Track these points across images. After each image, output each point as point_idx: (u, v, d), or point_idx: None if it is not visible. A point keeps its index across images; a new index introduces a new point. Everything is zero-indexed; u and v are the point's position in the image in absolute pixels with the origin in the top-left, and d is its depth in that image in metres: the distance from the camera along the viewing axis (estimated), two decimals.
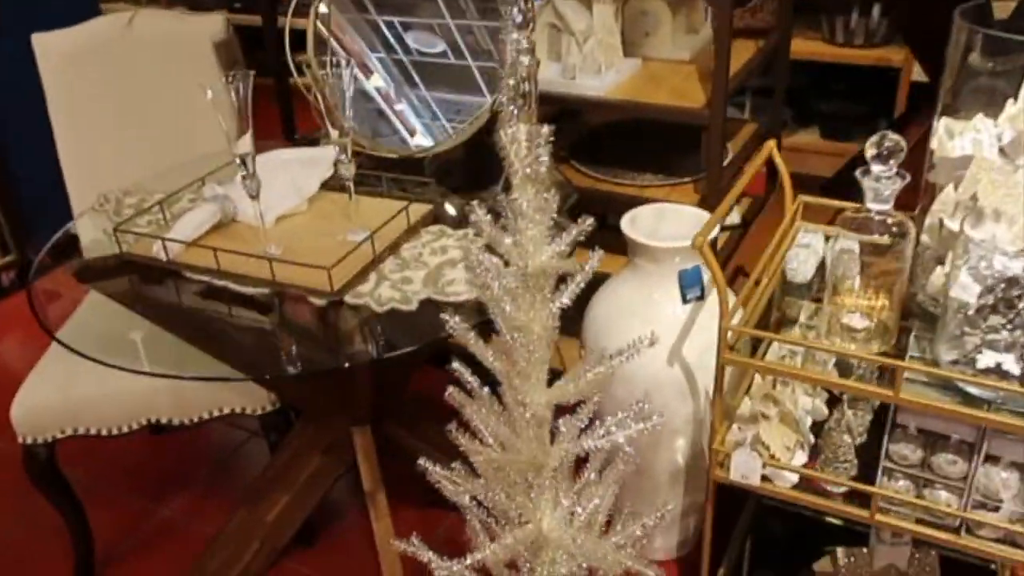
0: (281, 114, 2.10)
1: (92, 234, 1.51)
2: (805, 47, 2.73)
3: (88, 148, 1.80)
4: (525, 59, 1.33)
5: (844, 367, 1.22)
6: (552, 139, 0.94)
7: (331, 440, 1.62)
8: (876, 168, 1.05)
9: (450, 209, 1.46)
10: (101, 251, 1.42)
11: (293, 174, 1.47)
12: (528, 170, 0.92)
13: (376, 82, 1.68)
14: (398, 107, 1.68)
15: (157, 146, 1.78)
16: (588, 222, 0.96)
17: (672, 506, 1.58)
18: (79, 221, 1.57)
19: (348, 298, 1.21)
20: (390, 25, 1.68)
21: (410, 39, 1.68)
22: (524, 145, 0.92)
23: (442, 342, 1.11)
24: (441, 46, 1.66)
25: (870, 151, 1.04)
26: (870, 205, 1.08)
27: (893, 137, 1.03)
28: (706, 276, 1.37)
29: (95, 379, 1.53)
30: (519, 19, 1.35)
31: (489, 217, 0.97)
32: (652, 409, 1.05)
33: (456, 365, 1.05)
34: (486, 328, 1.05)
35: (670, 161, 1.87)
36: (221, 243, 1.32)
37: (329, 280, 1.19)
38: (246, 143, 1.24)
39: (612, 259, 1.34)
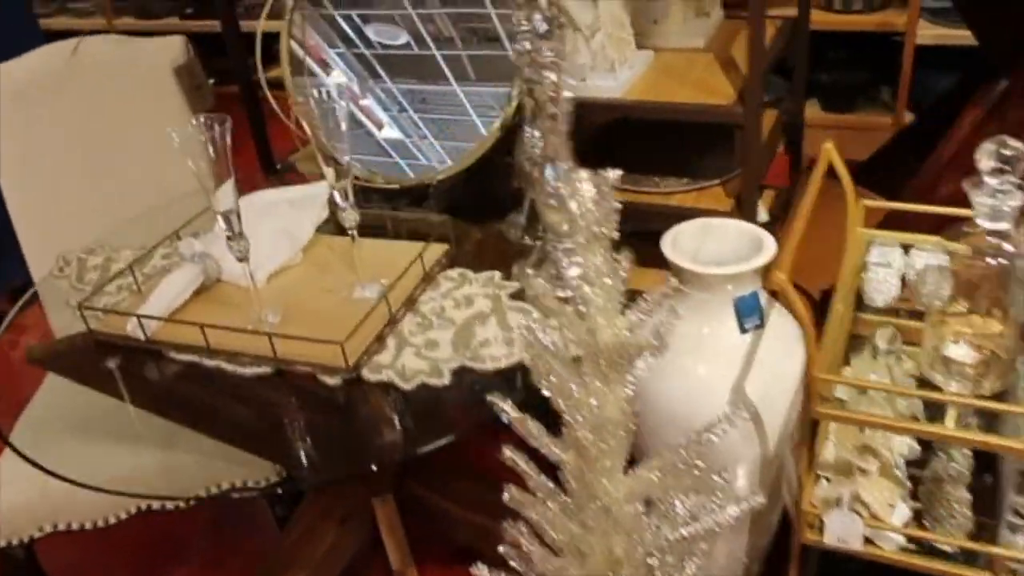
0: (254, 135, 1.89)
1: (52, 304, 1.31)
2: None
3: (40, 197, 1.59)
4: (552, 75, 1.15)
5: (934, 405, 1.06)
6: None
7: (348, 509, 1.44)
8: (992, 181, 0.88)
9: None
10: (65, 329, 1.22)
11: (283, 219, 1.28)
12: (598, 229, 0.74)
13: (338, 78, 1.51)
14: (363, 102, 1.51)
15: (120, 190, 1.58)
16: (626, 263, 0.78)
17: (739, 555, 1.42)
18: (40, 285, 1.37)
19: (366, 372, 1.02)
20: (348, 19, 1.50)
21: (370, 32, 1.50)
22: (590, 198, 0.73)
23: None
24: (404, 38, 1.48)
25: (985, 161, 0.87)
26: (984, 224, 0.91)
27: (1015, 144, 0.86)
28: (763, 299, 1.20)
29: (75, 466, 1.34)
30: (543, 27, 1.16)
31: (549, 287, 0.79)
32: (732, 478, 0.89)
33: (510, 454, 0.88)
34: (533, 394, 0.87)
35: (691, 160, 1.69)
36: (207, 312, 1.13)
37: (343, 355, 1.01)
38: (228, 197, 1.04)
39: (640, 273, 1.17)
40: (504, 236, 1.28)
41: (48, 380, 1.28)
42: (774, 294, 1.23)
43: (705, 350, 1.26)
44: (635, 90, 1.54)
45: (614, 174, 0.75)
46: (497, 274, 1.17)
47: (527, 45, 1.13)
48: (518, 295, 1.13)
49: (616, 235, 0.74)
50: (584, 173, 0.75)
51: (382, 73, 1.50)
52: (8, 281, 2.04)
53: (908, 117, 2.62)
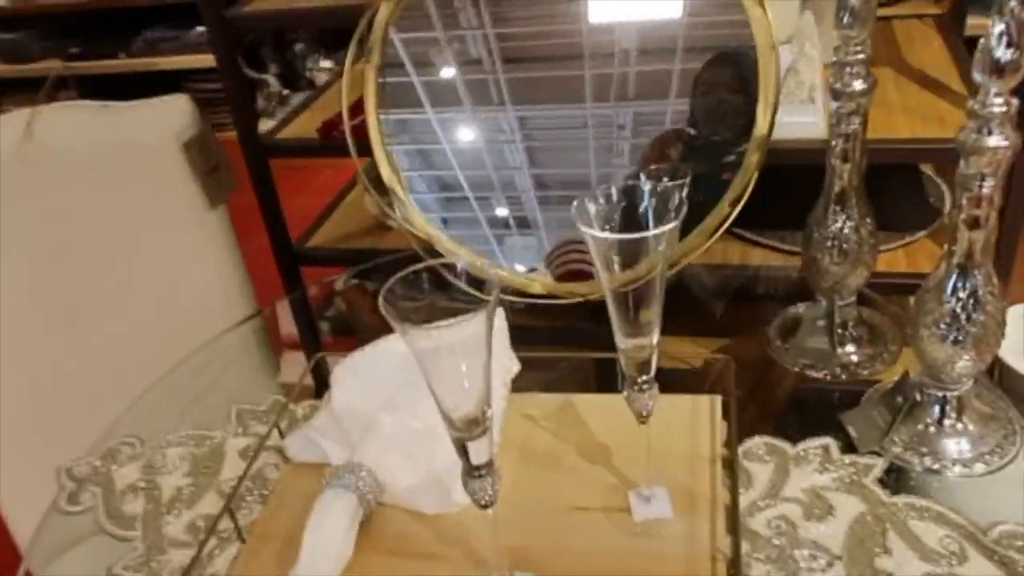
0: (264, 216, 1.37)
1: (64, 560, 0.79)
2: None
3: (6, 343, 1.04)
4: (858, 84, 0.73)
5: None
6: None
7: None
8: None
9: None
10: None
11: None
12: None
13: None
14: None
15: (114, 332, 1.05)
16: None
17: None
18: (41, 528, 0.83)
19: None
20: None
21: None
22: None
23: None
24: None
25: None
26: None
27: None
28: None
29: None
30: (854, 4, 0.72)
31: None
32: None
33: None
34: None
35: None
36: (384, 570, 0.65)
37: None
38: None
39: None
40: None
41: None
42: None
43: None
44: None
45: None
46: (831, 443, 0.74)
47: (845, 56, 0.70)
48: (898, 482, 0.70)
49: None
50: None
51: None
52: None
53: None
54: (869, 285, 0.85)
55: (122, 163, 1.04)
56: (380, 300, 0.51)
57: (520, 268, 0.97)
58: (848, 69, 0.71)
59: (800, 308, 0.89)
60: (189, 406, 0.96)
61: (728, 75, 0.93)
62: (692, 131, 0.93)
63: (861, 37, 0.69)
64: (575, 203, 0.57)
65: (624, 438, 0.73)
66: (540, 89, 0.98)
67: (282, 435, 0.80)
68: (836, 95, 0.72)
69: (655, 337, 0.60)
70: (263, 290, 1.29)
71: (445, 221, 0.97)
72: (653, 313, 0.59)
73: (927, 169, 1.32)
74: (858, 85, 0.71)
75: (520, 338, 0.81)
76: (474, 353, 0.53)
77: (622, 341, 0.61)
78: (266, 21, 1.37)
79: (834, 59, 0.72)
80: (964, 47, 1.33)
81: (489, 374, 0.55)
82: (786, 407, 0.86)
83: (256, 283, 1.24)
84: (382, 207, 1.03)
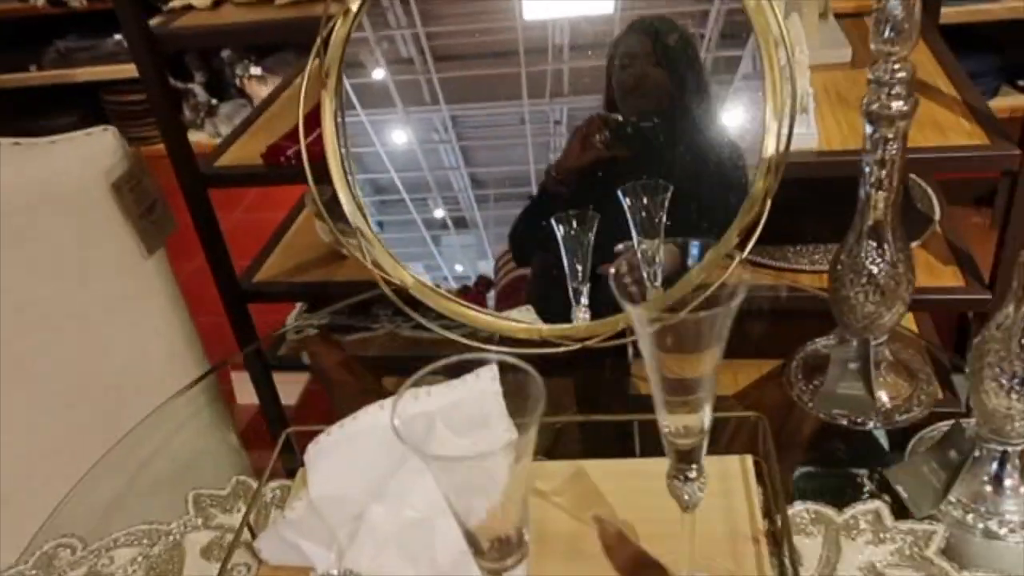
0: (204, 244, 1.24)
1: None
2: None
3: None
4: (898, 105, 0.65)
5: None
6: None
7: None
8: None
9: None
10: None
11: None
12: None
13: None
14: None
15: (45, 402, 0.92)
16: None
17: None
18: None
19: None
20: None
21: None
22: None
23: None
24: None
25: None
26: None
27: None
28: None
29: None
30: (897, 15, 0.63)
31: None
32: None
33: None
34: None
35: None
36: None
37: None
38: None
39: None
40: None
41: None
42: None
43: None
44: (833, 139, 1.07)
45: None
46: (882, 508, 0.66)
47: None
48: (955, 546, 0.63)
49: None
50: None
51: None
52: None
53: None
54: None
55: (41, 209, 0.90)
56: None
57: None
58: (887, 90, 0.63)
59: (820, 344, 0.81)
60: (135, 491, 0.83)
61: (647, 45, 0.86)
62: (619, 117, 0.86)
63: (903, 53, 0.61)
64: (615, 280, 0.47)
65: (653, 514, 0.64)
66: (474, 87, 0.93)
67: (253, 533, 0.69)
68: (872, 118, 0.64)
69: (707, 419, 0.51)
70: (206, 324, 1.16)
71: (381, 224, 0.89)
72: (706, 390, 0.49)
73: (912, 175, 1.26)
74: (898, 107, 0.63)
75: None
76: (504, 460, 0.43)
77: (665, 419, 0.51)
78: (197, 38, 1.24)
79: (870, 77, 0.64)
80: (942, 39, 1.27)
81: (527, 481, 0.45)
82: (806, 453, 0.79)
83: (195, 313, 1.10)
84: (339, 239, 0.92)
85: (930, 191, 1.25)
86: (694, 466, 0.53)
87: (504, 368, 0.45)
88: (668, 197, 0.78)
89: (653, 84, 0.87)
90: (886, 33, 0.61)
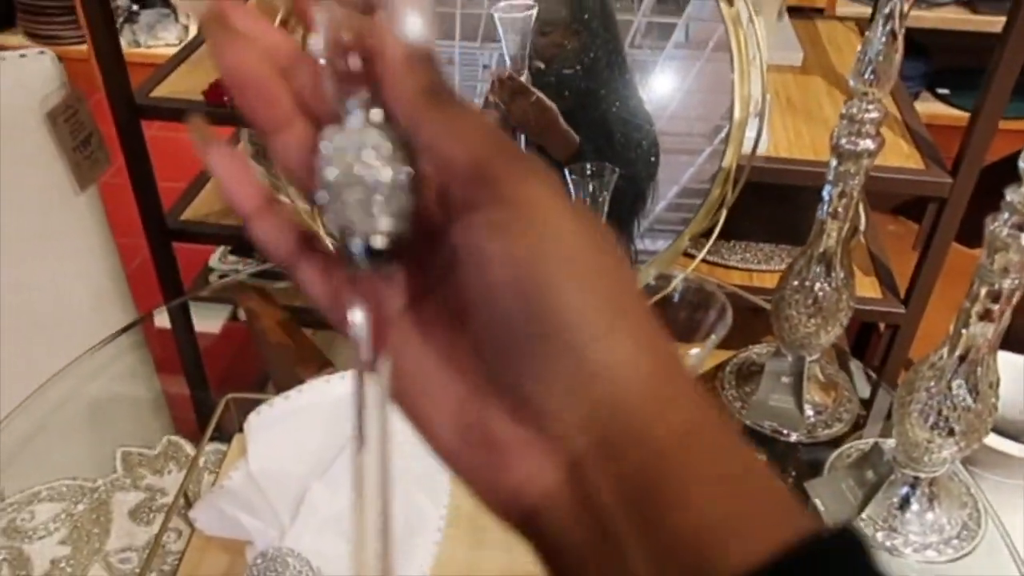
0: (135, 186, 1.18)
1: None
2: None
3: None
4: (867, 143, 0.69)
5: None
6: None
7: None
8: None
9: None
10: None
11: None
12: None
13: None
14: None
15: None
16: None
17: None
18: None
19: None
20: None
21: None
22: None
23: None
24: None
25: None
26: None
27: None
28: None
29: None
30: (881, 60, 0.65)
31: None
32: None
33: None
34: None
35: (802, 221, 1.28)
36: None
37: None
38: None
39: None
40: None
41: None
42: None
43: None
44: (780, 143, 1.10)
45: None
46: None
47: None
48: None
49: None
50: None
51: None
52: None
53: None
54: None
55: None
56: None
57: None
58: (858, 127, 0.65)
59: (754, 352, 0.85)
60: (49, 435, 0.81)
61: (566, 14, 0.83)
62: (541, 64, 0.84)
63: (879, 95, 0.63)
64: None
65: None
66: None
67: (188, 500, 0.68)
68: (840, 154, 0.66)
69: None
70: (132, 271, 1.12)
71: None
72: None
73: None
74: (865, 145, 0.65)
75: None
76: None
77: None
78: None
79: (842, 112, 0.66)
80: None
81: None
82: None
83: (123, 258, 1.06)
84: (272, 182, 0.90)
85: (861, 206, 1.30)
86: None
87: None
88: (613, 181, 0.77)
89: (572, 53, 0.82)
90: (866, 74, 0.62)
